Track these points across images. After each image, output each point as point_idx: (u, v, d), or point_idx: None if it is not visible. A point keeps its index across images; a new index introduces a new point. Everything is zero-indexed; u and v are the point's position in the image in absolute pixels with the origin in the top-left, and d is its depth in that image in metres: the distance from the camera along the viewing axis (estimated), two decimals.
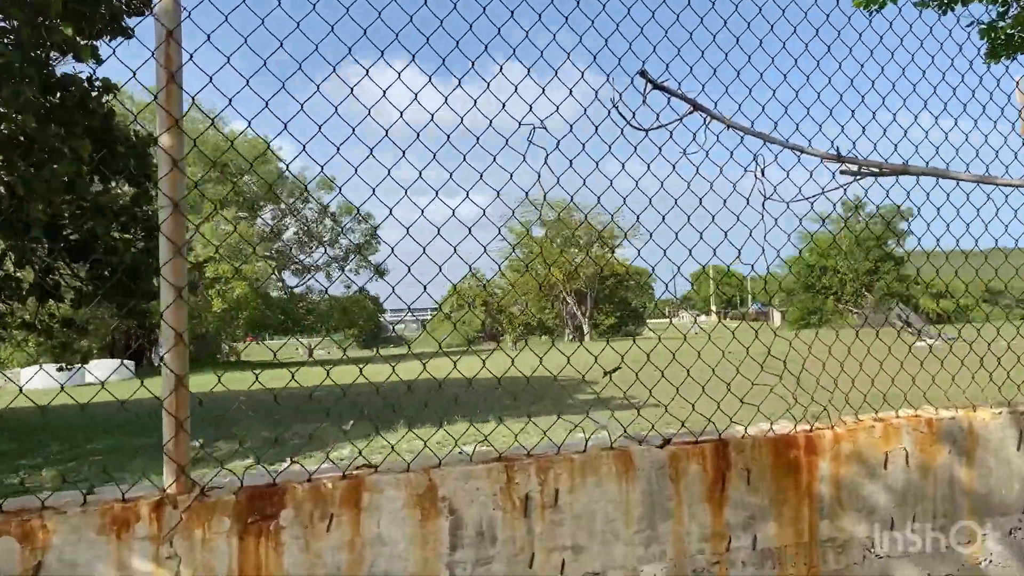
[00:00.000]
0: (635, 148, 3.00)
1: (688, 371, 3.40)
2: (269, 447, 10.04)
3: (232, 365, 37.72)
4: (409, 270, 2.61)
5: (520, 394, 15.60)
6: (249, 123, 2.60)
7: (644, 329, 68.10)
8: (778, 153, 3.18)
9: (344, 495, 2.52)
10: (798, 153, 3.17)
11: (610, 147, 3.00)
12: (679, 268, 3.16)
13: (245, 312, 41.02)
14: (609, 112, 2.96)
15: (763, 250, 2.97)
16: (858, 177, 3.26)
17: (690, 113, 3.09)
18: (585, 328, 55.75)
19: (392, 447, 2.89)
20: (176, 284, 2.46)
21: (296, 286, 47.44)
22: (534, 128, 2.79)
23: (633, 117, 3.00)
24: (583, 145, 2.93)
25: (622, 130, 2.97)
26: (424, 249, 2.61)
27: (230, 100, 2.50)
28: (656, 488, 2.87)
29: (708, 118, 3.09)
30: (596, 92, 2.95)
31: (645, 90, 3.00)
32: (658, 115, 3.04)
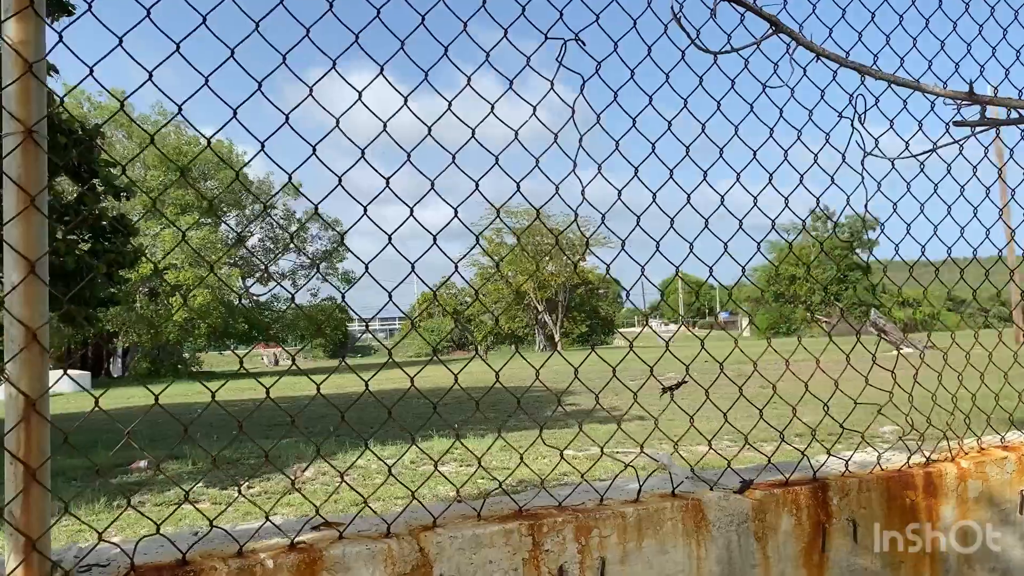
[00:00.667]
0: (700, 79, 2.18)
1: (738, 391, 2.58)
2: (223, 468, 9.05)
3: (196, 376, 36.27)
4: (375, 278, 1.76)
5: (494, 406, 14.69)
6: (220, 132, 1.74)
7: (614, 338, 67.56)
8: (881, 94, 2.39)
9: None
10: (911, 91, 2.37)
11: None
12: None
13: (207, 321, 39.56)
14: (667, 27, 2.14)
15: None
16: (978, 130, 2.48)
17: (770, 35, 2.28)
18: (556, 337, 55.01)
19: (365, 500, 2.02)
20: (27, 254, 1.58)
21: (263, 294, 45.99)
22: (568, 40, 1.96)
23: (697, 36, 2.18)
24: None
25: (683, 52, 2.15)
26: (412, 260, 1.79)
27: (180, 107, 1.69)
28: (736, 551, 2.04)
29: (793, 43, 2.29)
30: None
31: (715, 1, 2.19)
32: (729, 36, 2.23)
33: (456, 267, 2.11)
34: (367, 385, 1.96)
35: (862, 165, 2.33)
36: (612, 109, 2.06)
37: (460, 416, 13.44)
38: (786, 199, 2.26)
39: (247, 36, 1.73)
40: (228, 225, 50.62)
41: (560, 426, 12.02)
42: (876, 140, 2.27)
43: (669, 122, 2.16)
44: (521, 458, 2.24)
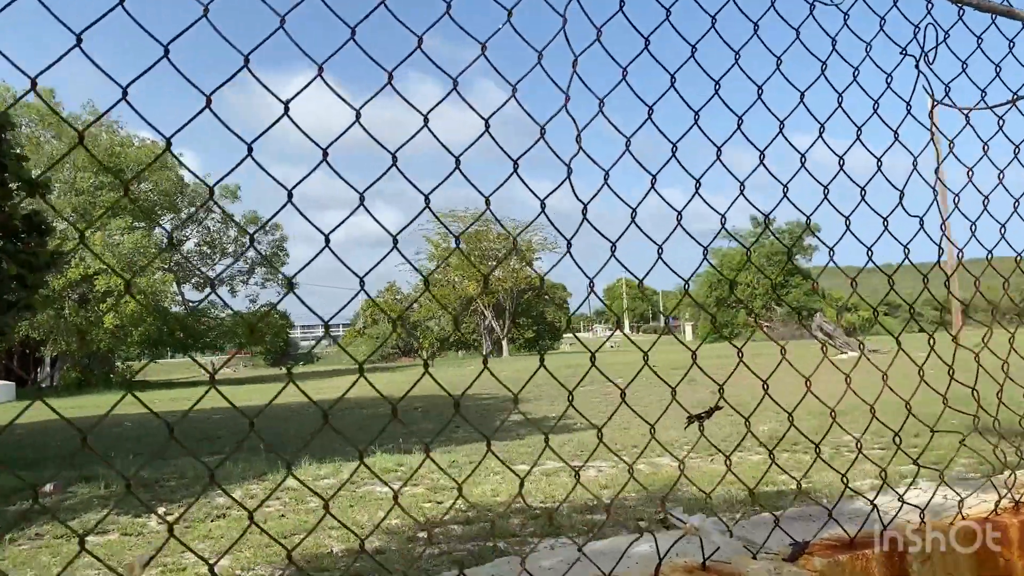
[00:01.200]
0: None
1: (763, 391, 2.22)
2: (137, 490, 8.38)
3: (129, 386, 34.74)
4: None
5: (441, 416, 14.15)
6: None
7: (561, 343, 67.53)
8: (951, 27, 2.01)
9: None
10: (990, 21, 2.00)
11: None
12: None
13: (140, 328, 38.05)
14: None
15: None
16: None
17: None
18: (503, 342, 54.66)
19: (288, 555, 1.58)
20: None
21: (199, 302, 44.47)
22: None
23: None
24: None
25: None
26: (353, 266, 1.39)
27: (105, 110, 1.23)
28: None
29: None
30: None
31: None
32: None
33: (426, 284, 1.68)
34: (317, 404, 1.52)
35: (931, 119, 1.97)
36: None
37: (405, 428, 12.84)
38: (842, 166, 1.88)
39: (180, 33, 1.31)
40: (163, 228, 49.05)
41: (512, 437, 11.55)
42: (947, 86, 1.90)
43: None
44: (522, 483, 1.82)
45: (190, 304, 44.16)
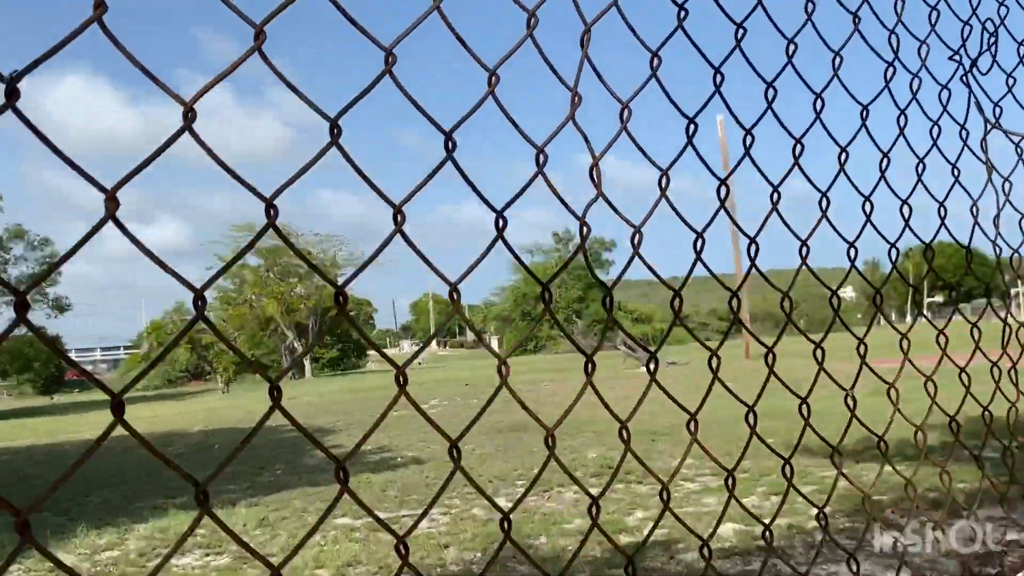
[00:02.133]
0: None
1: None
2: None
3: None
4: None
5: (242, 455, 11.99)
6: None
7: (367, 361, 66.09)
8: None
9: None
10: None
11: None
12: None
13: None
14: None
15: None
16: None
17: None
18: (306, 363, 52.55)
19: None
20: None
21: None
22: None
23: None
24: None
25: None
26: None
27: None
28: None
29: None
30: None
31: None
32: None
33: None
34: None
35: (984, 149, 1.72)
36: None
37: (203, 469, 10.77)
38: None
39: None
40: None
41: (326, 480, 9.19)
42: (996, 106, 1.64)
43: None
44: None
45: None
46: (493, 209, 1.30)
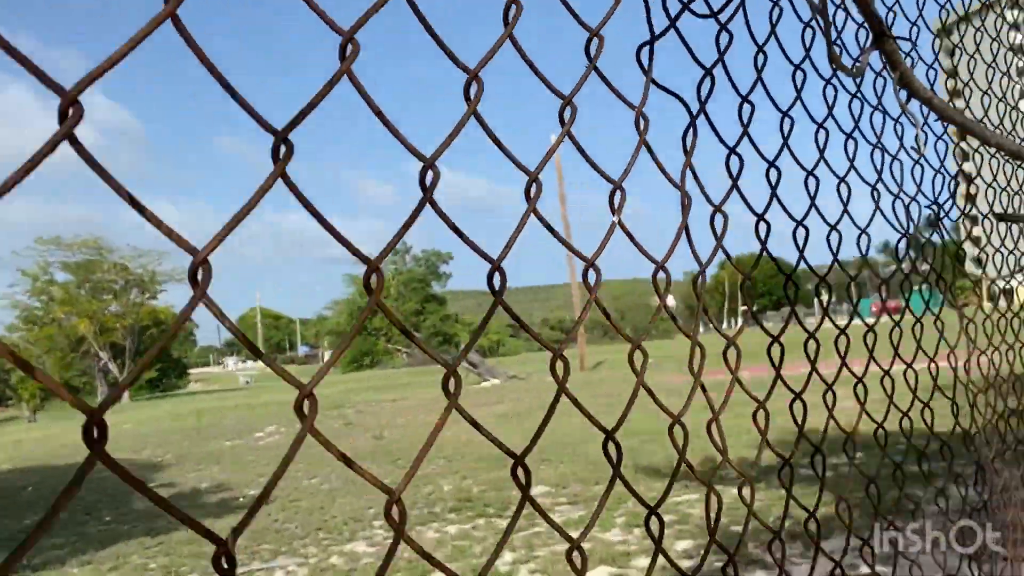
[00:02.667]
0: None
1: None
2: None
3: None
4: None
5: (51, 495, 10.58)
6: None
7: (188, 381, 62.54)
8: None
9: None
10: None
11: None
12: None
13: None
14: None
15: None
16: None
17: None
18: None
19: None
20: None
21: None
22: None
23: None
24: None
25: None
26: None
27: None
28: None
29: None
30: None
31: None
32: None
33: None
34: None
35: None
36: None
37: (16, 519, 9.54)
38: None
39: None
40: None
41: (165, 527, 7.96)
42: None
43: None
44: None
45: None
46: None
